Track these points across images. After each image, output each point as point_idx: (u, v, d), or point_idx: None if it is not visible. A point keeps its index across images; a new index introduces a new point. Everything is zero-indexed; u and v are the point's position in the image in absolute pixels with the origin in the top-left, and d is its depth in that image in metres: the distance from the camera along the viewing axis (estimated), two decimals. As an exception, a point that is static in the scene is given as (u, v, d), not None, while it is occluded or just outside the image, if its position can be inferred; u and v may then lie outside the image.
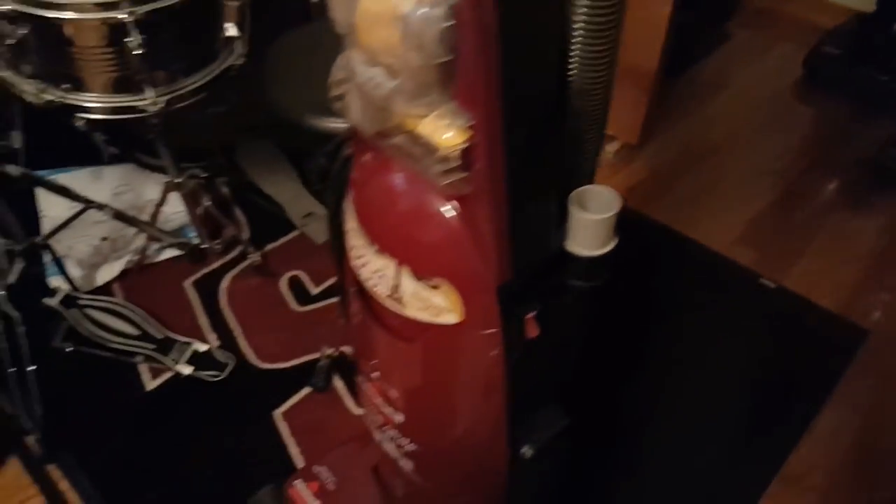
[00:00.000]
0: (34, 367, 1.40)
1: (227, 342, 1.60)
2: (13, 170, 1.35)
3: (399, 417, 0.82)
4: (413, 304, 0.69)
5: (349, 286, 0.81)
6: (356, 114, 0.61)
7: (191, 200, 1.68)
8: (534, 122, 0.59)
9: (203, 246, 1.76)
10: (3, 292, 1.38)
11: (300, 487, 1.22)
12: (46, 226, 1.71)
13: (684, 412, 1.50)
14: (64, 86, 1.22)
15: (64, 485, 1.36)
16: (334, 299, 1.67)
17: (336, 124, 1.05)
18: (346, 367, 1.55)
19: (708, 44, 2.55)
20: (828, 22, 2.50)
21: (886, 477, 1.42)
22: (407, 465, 0.88)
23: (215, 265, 1.76)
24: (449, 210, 0.62)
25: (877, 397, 1.54)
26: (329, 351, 1.53)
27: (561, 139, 0.64)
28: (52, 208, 1.82)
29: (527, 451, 0.82)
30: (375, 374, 0.81)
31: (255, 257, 1.72)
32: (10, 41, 1.13)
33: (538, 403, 0.82)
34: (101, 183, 1.85)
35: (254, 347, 1.59)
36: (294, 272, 1.75)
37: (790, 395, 1.53)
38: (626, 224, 0.72)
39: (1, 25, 1.13)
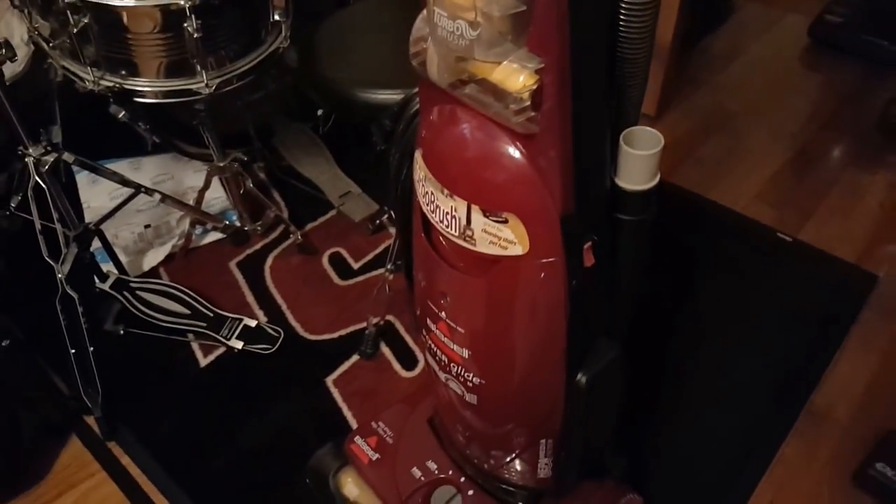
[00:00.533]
0: (93, 349, 1.48)
1: (275, 317, 1.68)
2: (68, 156, 1.41)
3: (466, 352, 0.90)
4: (483, 239, 0.76)
5: (416, 235, 0.89)
6: (433, 67, 0.69)
7: (233, 184, 1.75)
8: (594, 66, 0.67)
9: (245, 228, 1.84)
10: (62, 275, 1.45)
11: (360, 442, 1.29)
12: (89, 216, 1.77)
13: (715, 355, 1.59)
14: (121, 72, 1.29)
15: (125, 460, 1.43)
16: (376, 272, 1.75)
17: (384, 95, 1.13)
18: (392, 335, 1.63)
19: (717, 17, 2.62)
20: (830, -9, 2.57)
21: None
22: (471, 399, 0.95)
23: (258, 246, 1.84)
24: (518, 149, 0.70)
25: (889, 337, 1.63)
26: (375, 320, 1.61)
27: (614, 83, 0.72)
28: (94, 199, 1.90)
29: (581, 378, 0.90)
30: (444, 314, 0.89)
31: (296, 236, 1.80)
32: (72, 30, 1.20)
33: (593, 334, 0.90)
34: (140, 173, 1.93)
35: (301, 321, 1.67)
36: (335, 249, 1.83)
37: (811, 338, 1.62)
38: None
39: (65, 15, 1.20)
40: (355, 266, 1.79)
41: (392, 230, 1.85)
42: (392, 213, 1.82)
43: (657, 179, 0.79)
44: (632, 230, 0.82)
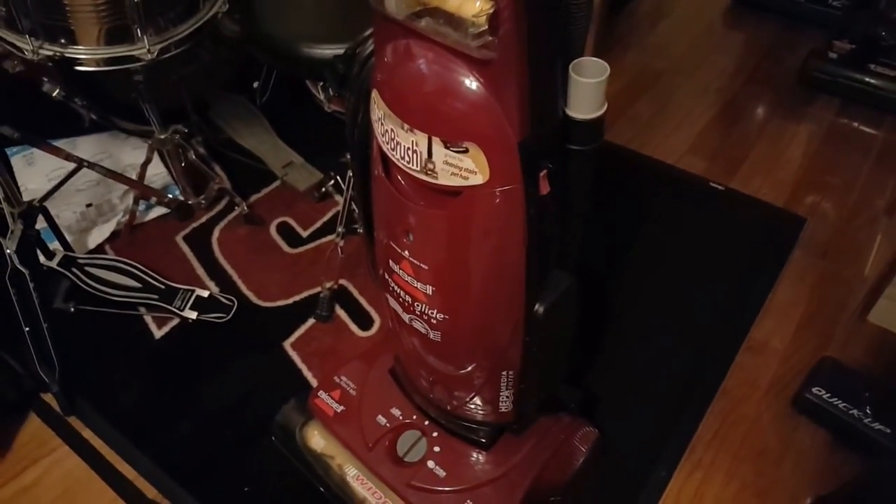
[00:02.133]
0: (47, 325, 1.46)
1: (227, 288, 1.68)
2: (9, 131, 1.39)
3: (430, 289, 0.93)
4: (444, 171, 0.80)
5: (377, 176, 0.91)
6: (391, 1, 0.72)
7: (174, 157, 1.74)
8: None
9: (189, 202, 1.83)
10: (10, 251, 1.43)
11: (323, 396, 1.30)
12: (28, 198, 1.75)
13: (658, 297, 1.67)
14: (61, 40, 1.27)
15: (87, 433, 1.42)
16: (326, 239, 1.77)
17: (329, 49, 1.15)
18: (347, 298, 1.65)
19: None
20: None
21: (833, 337, 1.60)
22: (435, 336, 0.99)
23: (203, 219, 1.84)
24: (476, 79, 0.73)
25: (818, 273, 1.73)
26: (329, 284, 1.63)
27: (562, 13, 0.76)
28: (31, 181, 1.87)
29: (539, 308, 0.94)
30: (406, 253, 0.92)
31: (241, 207, 1.80)
32: (9, -3, 1.18)
33: (548, 265, 0.94)
34: (77, 152, 1.88)
35: (253, 290, 1.68)
36: (282, 219, 1.84)
37: (746, 278, 1.71)
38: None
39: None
40: (304, 234, 1.81)
41: (338, 198, 1.87)
42: (337, 178, 1.83)
43: (604, 108, 0.84)
44: (582, 160, 0.86)
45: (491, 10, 0.66)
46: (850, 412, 1.40)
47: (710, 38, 2.50)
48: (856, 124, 2.17)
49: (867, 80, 2.16)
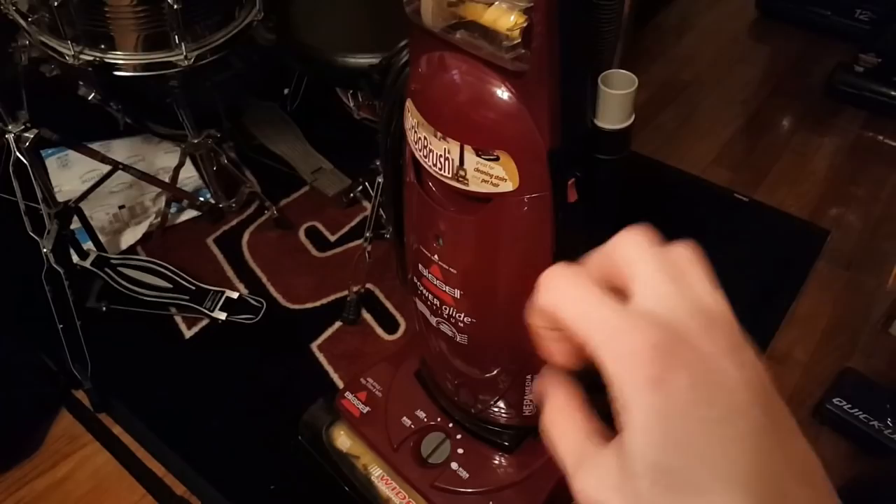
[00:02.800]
0: (80, 323, 1.50)
1: (256, 289, 1.71)
2: (48, 133, 1.43)
3: (458, 293, 0.96)
4: (475, 178, 0.82)
5: (409, 182, 0.94)
6: (428, 14, 0.74)
7: (206, 161, 1.78)
8: (576, 6, 0.73)
9: (220, 205, 1.86)
10: (47, 250, 1.47)
11: (350, 397, 1.33)
12: (61, 199, 1.80)
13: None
14: (101, 46, 1.31)
15: (117, 430, 1.45)
16: (354, 243, 1.80)
17: (362, 59, 1.18)
18: (373, 302, 1.68)
19: (668, -7, 2.72)
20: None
21: (856, 348, 1.60)
22: (462, 339, 1.01)
23: (234, 222, 1.87)
24: (508, 89, 0.76)
25: (841, 284, 1.73)
26: (356, 287, 1.66)
27: (592, 26, 0.78)
28: (66, 183, 1.92)
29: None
30: (436, 257, 0.95)
31: (272, 211, 1.83)
32: (53, 2, 1.21)
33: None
34: (111, 155, 1.93)
35: (282, 292, 1.71)
36: (311, 223, 1.87)
37: (770, 289, 1.71)
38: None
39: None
40: (332, 238, 1.84)
41: (366, 203, 1.90)
42: (366, 184, 1.86)
43: (632, 119, 0.86)
44: (609, 169, 0.89)
45: (524, 24, 0.69)
46: (872, 423, 1.41)
47: (736, 49, 2.51)
48: (881, 137, 2.17)
49: (893, 93, 2.16)
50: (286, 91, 2.08)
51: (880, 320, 1.65)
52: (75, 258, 1.64)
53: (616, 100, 0.82)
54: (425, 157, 0.86)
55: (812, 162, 2.08)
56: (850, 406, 1.44)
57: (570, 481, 0.32)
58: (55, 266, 1.46)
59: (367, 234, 1.62)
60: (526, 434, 1.21)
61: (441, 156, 0.84)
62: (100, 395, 1.49)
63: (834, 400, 1.45)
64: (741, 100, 2.29)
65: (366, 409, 1.31)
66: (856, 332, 1.63)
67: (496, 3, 0.69)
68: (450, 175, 0.84)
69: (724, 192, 1.97)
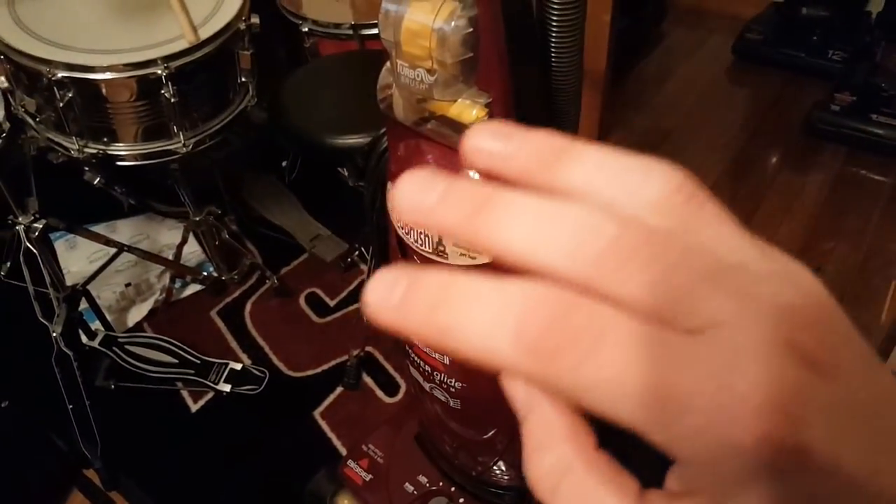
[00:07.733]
0: (89, 403, 1.54)
1: (259, 359, 1.75)
2: (56, 222, 1.49)
3: (447, 359, 1.00)
4: (454, 252, 0.87)
5: (394, 258, 0.99)
6: (399, 109, 0.80)
7: (208, 236, 1.84)
8: (532, 98, 0.79)
9: (223, 277, 1.92)
10: (56, 334, 1.52)
11: (352, 465, 1.36)
12: (71, 280, 1.84)
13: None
14: (103, 139, 1.38)
15: (128, 507, 1.49)
16: (353, 307, 1.85)
17: (350, 140, 1.24)
18: (373, 365, 1.72)
19: (647, 44, 2.80)
20: (749, 12, 2.77)
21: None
22: (455, 404, 1.05)
23: (236, 294, 1.92)
24: (475, 174, 0.81)
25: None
26: (356, 352, 1.70)
27: (551, 114, 0.84)
28: (74, 264, 1.98)
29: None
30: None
31: (272, 280, 1.89)
32: (59, 104, 1.29)
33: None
34: (117, 235, 2.00)
35: (284, 360, 1.75)
36: (310, 289, 1.92)
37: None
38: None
39: (51, 91, 1.29)
40: (331, 303, 1.88)
41: (364, 266, 1.95)
42: (363, 249, 1.92)
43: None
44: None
45: (485, 118, 0.74)
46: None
47: (715, 94, 2.59)
48: (864, 172, 2.22)
49: (870, 129, 2.22)
50: (284, 164, 2.14)
51: (873, 355, 1.67)
52: (84, 338, 1.69)
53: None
54: (407, 233, 0.92)
55: (797, 200, 2.12)
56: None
57: None
58: (64, 349, 1.50)
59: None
60: (526, 494, 1.23)
61: (421, 233, 0.89)
62: (110, 473, 1.52)
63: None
64: (723, 143, 2.35)
65: (368, 477, 1.34)
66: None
67: (460, 99, 0.75)
68: (430, 250, 0.89)
69: (712, 235, 2.01)
